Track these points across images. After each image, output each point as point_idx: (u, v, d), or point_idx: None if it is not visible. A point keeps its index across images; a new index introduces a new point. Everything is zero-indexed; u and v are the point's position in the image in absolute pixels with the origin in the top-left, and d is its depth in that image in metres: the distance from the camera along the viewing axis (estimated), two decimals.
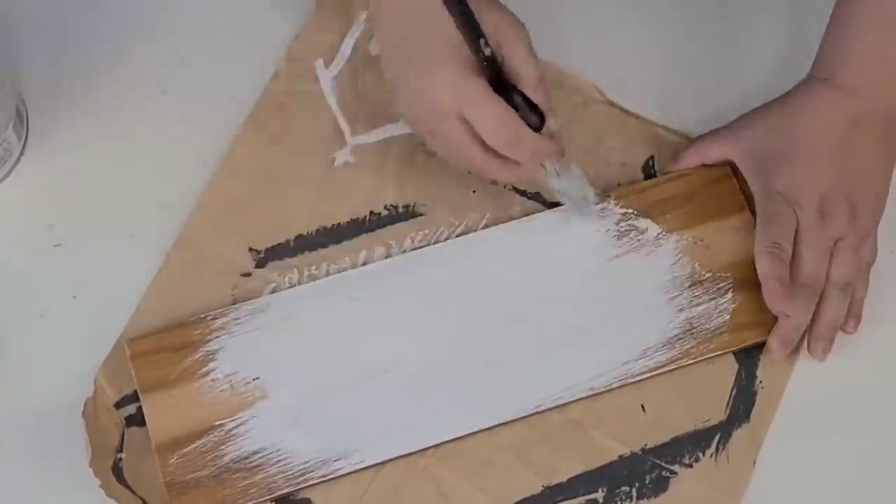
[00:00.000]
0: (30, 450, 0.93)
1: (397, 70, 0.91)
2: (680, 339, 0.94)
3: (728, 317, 0.95)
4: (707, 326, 0.94)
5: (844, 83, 0.94)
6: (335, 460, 0.91)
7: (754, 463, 0.92)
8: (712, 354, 0.94)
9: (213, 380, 0.93)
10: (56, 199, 1.00)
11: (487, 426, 0.92)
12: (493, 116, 0.87)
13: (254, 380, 0.93)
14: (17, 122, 0.99)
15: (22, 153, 1.00)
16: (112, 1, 1.06)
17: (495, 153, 0.89)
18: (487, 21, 0.87)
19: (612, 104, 1.03)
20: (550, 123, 0.90)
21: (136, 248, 0.99)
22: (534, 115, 0.89)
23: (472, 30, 0.86)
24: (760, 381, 0.95)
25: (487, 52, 0.87)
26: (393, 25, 0.91)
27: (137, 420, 0.93)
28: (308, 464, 0.91)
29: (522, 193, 1.00)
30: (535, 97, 0.89)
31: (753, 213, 0.97)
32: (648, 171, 1.01)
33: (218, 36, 1.05)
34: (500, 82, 0.88)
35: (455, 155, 0.91)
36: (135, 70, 1.03)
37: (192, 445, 0.91)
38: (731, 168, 0.99)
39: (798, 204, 0.93)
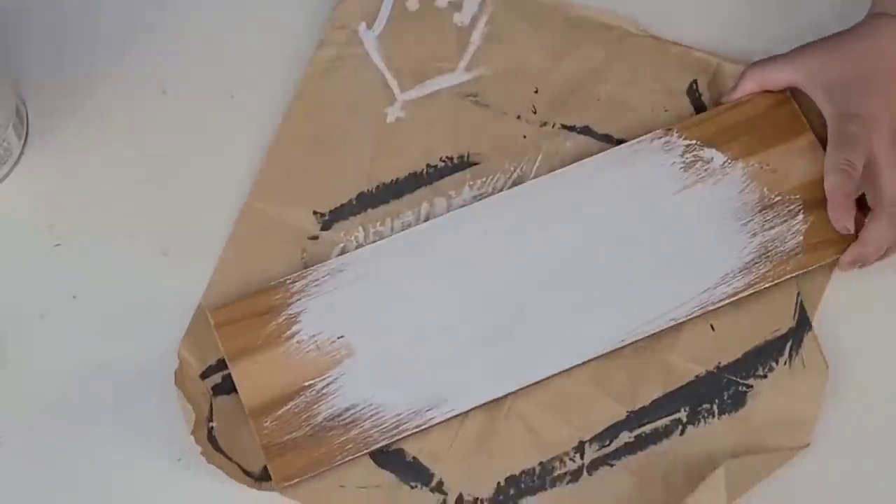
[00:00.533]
0: (30, 450, 0.94)
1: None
2: (756, 263, 0.95)
3: (801, 238, 0.96)
4: (782, 249, 0.95)
5: None
6: (427, 410, 0.92)
7: (828, 366, 0.94)
8: (790, 276, 0.95)
9: (298, 342, 0.94)
10: (56, 199, 1.00)
11: (574, 365, 0.94)
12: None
13: (339, 338, 0.94)
14: (17, 122, 0.99)
15: (22, 153, 1.00)
16: (112, 1, 1.06)
17: None
18: None
19: (648, 35, 1.04)
20: None
21: (136, 248, 0.99)
22: None
23: None
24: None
25: None
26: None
27: (225, 389, 0.95)
28: (401, 416, 0.92)
29: (571, 129, 1.02)
30: None
31: (817, 136, 0.98)
32: (693, 95, 1.02)
33: (218, 36, 1.05)
34: None
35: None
36: (135, 70, 1.03)
37: (285, 408, 0.93)
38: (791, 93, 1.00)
39: (876, 128, 0.94)
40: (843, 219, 0.94)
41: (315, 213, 1.00)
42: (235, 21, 1.06)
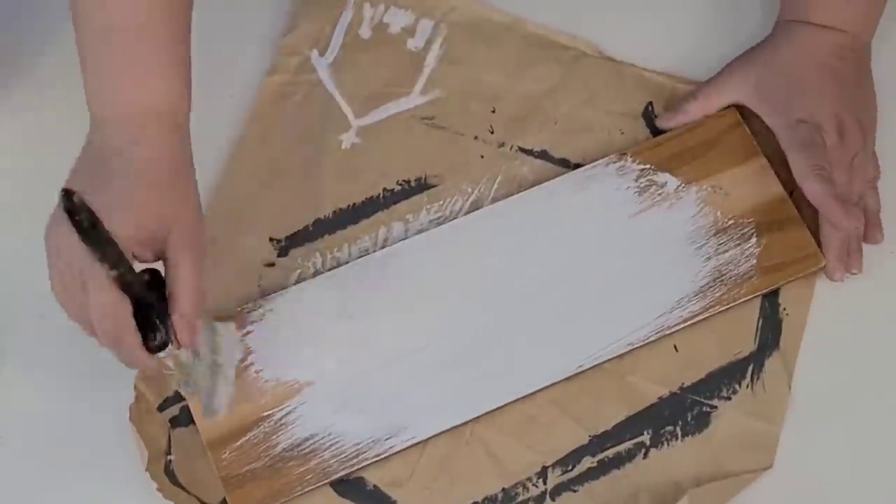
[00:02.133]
0: (30, 450, 0.92)
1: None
2: (711, 287, 0.94)
3: (755, 261, 0.94)
4: (736, 272, 0.94)
5: (819, 21, 0.96)
6: (387, 439, 0.90)
7: (790, 388, 0.93)
8: (744, 299, 0.94)
9: (256, 371, 0.92)
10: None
11: (533, 390, 0.92)
12: (107, 307, 0.79)
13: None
14: None
15: None
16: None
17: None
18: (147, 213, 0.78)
19: (603, 57, 1.02)
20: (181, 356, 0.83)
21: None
22: (160, 336, 0.81)
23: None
24: (784, 309, 0.95)
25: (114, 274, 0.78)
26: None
27: (182, 420, 0.92)
28: (360, 445, 0.90)
29: (529, 152, 1.00)
30: (181, 333, 0.81)
31: (768, 157, 0.97)
32: (649, 118, 1.01)
33: (218, 35, 1.03)
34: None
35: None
36: None
37: (244, 438, 0.90)
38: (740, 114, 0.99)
39: (822, 127, 0.94)
40: (843, 222, 0.92)
41: (271, 239, 0.97)
42: (235, 20, 1.04)
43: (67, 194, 0.75)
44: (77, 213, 0.75)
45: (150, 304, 0.81)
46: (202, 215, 0.84)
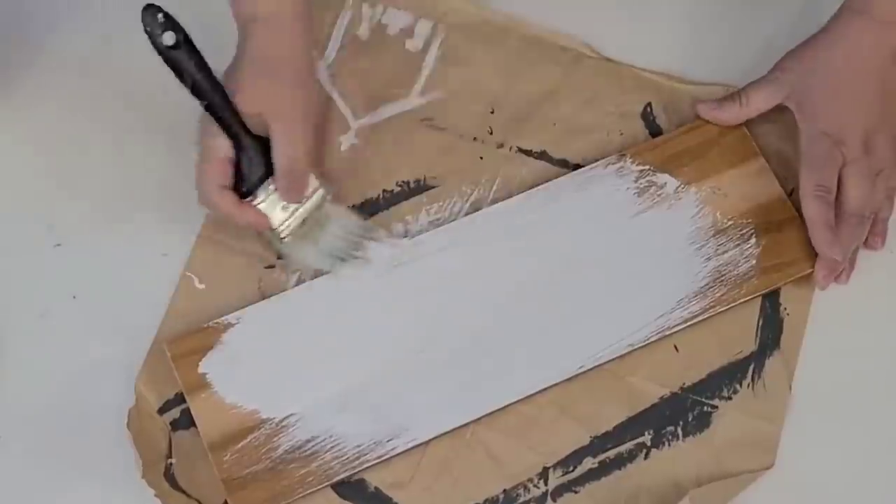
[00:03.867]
0: (30, 449, 0.91)
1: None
2: (711, 287, 0.92)
3: (755, 261, 0.93)
4: (735, 272, 0.93)
5: (883, 15, 0.91)
6: (388, 440, 0.89)
7: (790, 388, 0.91)
8: (744, 299, 0.92)
9: (244, 381, 0.90)
10: (56, 199, 0.97)
11: (532, 392, 0.90)
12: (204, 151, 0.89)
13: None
14: None
15: None
16: (112, 1, 1.02)
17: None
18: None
19: (602, 58, 1.01)
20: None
21: (136, 248, 0.96)
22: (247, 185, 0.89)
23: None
24: (785, 308, 0.93)
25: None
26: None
27: (183, 423, 0.91)
28: (362, 447, 0.88)
29: (528, 153, 0.98)
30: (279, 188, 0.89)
31: (767, 158, 0.96)
32: (648, 118, 0.99)
33: (217, 35, 1.01)
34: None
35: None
36: (135, 70, 1.00)
37: (245, 441, 0.88)
38: None
39: (843, 142, 0.91)
40: (827, 251, 0.91)
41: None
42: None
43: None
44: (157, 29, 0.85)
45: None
46: (303, 98, 0.90)
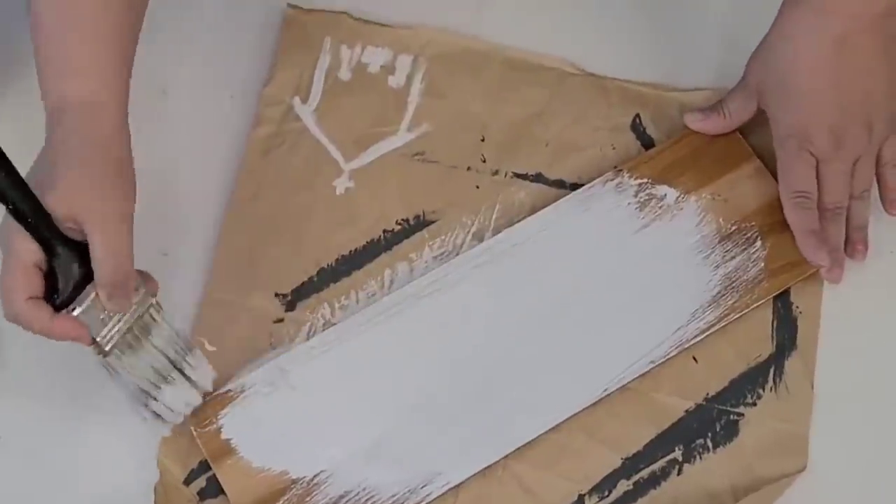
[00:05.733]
0: (30, 450, 0.89)
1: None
2: (723, 295, 0.90)
3: (763, 264, 0.91)
4: (745, 277, 0.91)
5: (819, 4, 0.87)
6: (422, 487, 0.86)
7: (812, 387, 0.90)
8: (757, 304, 0.90)
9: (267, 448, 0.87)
10: None
11: (560, 420, 0.88)
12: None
13: None
14: None
15: None
16: None
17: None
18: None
19: (586, 74, 0.99)
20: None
21: (136, 247, 0.91)
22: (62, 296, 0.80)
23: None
24: (797, 307, 0.92)
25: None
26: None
27: (210, 492, 0.88)
28: (397, 496, 0.86)
29: (524, 177, 0.96)
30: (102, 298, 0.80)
31: (761, 158, 0.94)
32: (638, 130, 0.97)
33: (218, 36, 0.99)
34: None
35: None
36: (135, 70, 0.96)
37: (278, 503, 0.86)
38: None
39: (811, 141, 0.88)
40: (815, 258, 0.90)
41: (277, 294, 0.93)
42: (235, 21, 1.01)
43: None
44: None
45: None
46: (122, 193, 0.82)
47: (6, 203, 0.77)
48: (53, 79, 0.82)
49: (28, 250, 0.78)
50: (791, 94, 0.89)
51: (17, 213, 0.77)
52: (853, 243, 0.92)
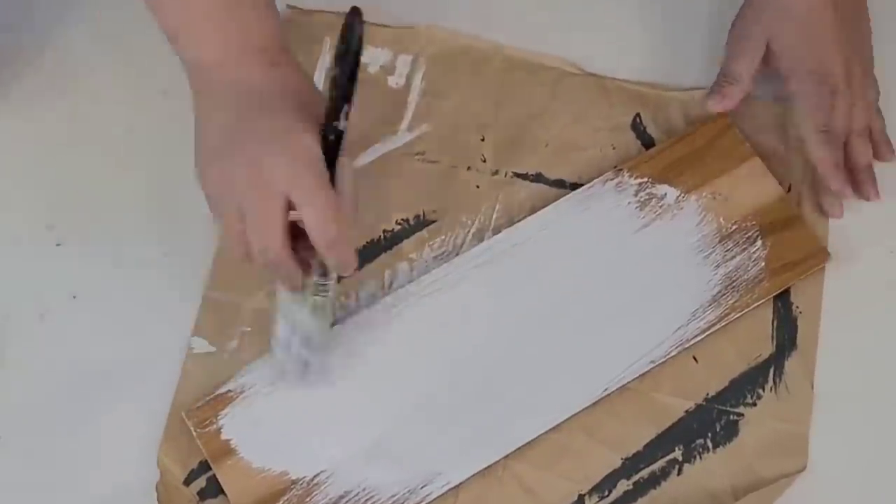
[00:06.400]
0: (30, 450, 0.89)
1: (225, 145, 0.79)
2: (723, 294, 0.90)
3: (763, 263, 0.91)
4: (745, 277, 0.90)
5: None
6: (422, 487, 0.86)
7: (812, 387, 0.89)
8: (757, 304, 0.90)
9: (267, 446, 0.87)
10: (56, 199, 0.95)
11: (560, 420, 0.87)
12: (323, 212, 0.77)
13: None
14: None
15: None
16: (112, 1, 0.99)
17: (293, 250, 0.79)
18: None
19: (586, 73, 0.98)
20: None
21: (136, 248, 0.94)
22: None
23: (341, 97, 0.77)
24: (797, 307, 0.91)
25: (342, 126, 0.77)
26: (226, 102, 0.80)
27: (210, 492, 0.87)
28: (397, 496, 0.85)
29: (524, 177, 0.95)
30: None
31: (762, 157, 0.94)
32: (638, 129, 0.97)
33: None
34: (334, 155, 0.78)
35: (257, 234, 0.78)
36: (135, 70, 0.98)
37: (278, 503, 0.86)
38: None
39: (830, 74, 0.91)
40: (843, 190, 0.91)
41: None
42: None
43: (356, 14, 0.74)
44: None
45: None
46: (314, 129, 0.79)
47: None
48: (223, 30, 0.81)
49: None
50: (806, 32, 0.91)
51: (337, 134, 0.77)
52: (865, 182, 0.93)
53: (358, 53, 0.76)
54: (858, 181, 0.93)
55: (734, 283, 0.90)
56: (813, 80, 0.91)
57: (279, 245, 0.77)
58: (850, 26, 0.92)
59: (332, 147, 0.78)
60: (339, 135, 0.78)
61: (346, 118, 0.77)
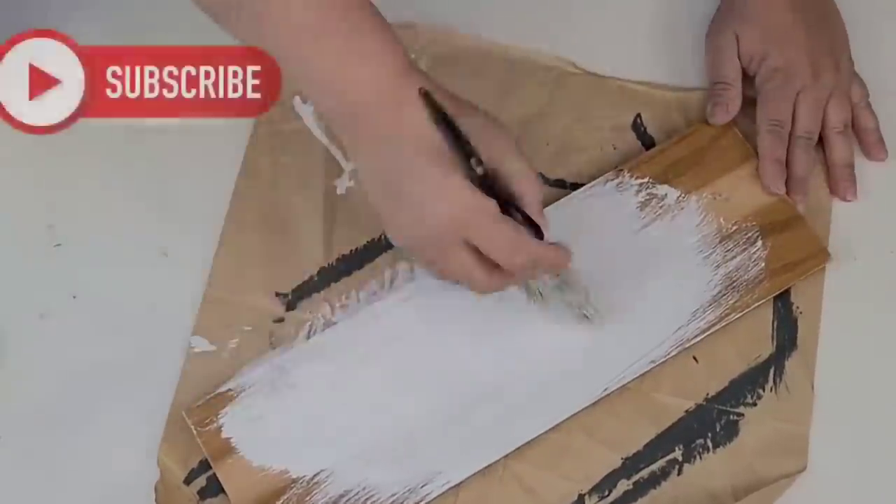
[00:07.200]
0: (30, 450, 0.89)
1: (388, 199, 0.79)
2: (723, 294, 0.90)
3: (763, 264, 0.91)
4: (746, 277, 0.90)
5: None
6: (422, 486, 0.85)
7: (813, 387, 0.89)
8: (757, 304, 0.90)
9: (270, 446, 0.87)
10: (56, 199, 0.95)
11: (560, 420, 0.87)
12: (506, 241, 0.77)
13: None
14: None
15: None
16: (112, 1, 0.99)
17: (498, 270, 0.80)
18: (471, 128, 0.77)
19: (587, 73, 0.98)
20: (548, 236, 0.80)
21: (136, 248, 0.94)
22: (533, 229, 0.79)
23: (461, 149, 0.76)
24: (797, 307, 0.91)
25: (480, 171, 0.76)
26: (374, 154, 0.78)
27: (211, 490, 0.87)
28: (396, 496, 0.85)
29: None
30: (536, 216, 0.79)
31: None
32: (639, 129, 0.96)
33: (218, 36, 0.97)
34: (495, 196, 0.78)
35: (460, 279, 0.81)
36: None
37: (278, 502, 0.85)
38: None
39: (796, 72, 0.92)
40: (772, 184, 0.92)
41: (277, 294, 0.92)
42: None
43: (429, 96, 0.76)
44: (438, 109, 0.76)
45: None
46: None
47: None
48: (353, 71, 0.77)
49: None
50: (774, 34, 0.93)
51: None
52: (842, 181, 0.94)
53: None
54: (834, 179, 0.94)
55: (734, 284, 0.90)
56: (778, 77, 0.93)
57: (484, 281, 0.80)
58: (815, 27, 0.94)
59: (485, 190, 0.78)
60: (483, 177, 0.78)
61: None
